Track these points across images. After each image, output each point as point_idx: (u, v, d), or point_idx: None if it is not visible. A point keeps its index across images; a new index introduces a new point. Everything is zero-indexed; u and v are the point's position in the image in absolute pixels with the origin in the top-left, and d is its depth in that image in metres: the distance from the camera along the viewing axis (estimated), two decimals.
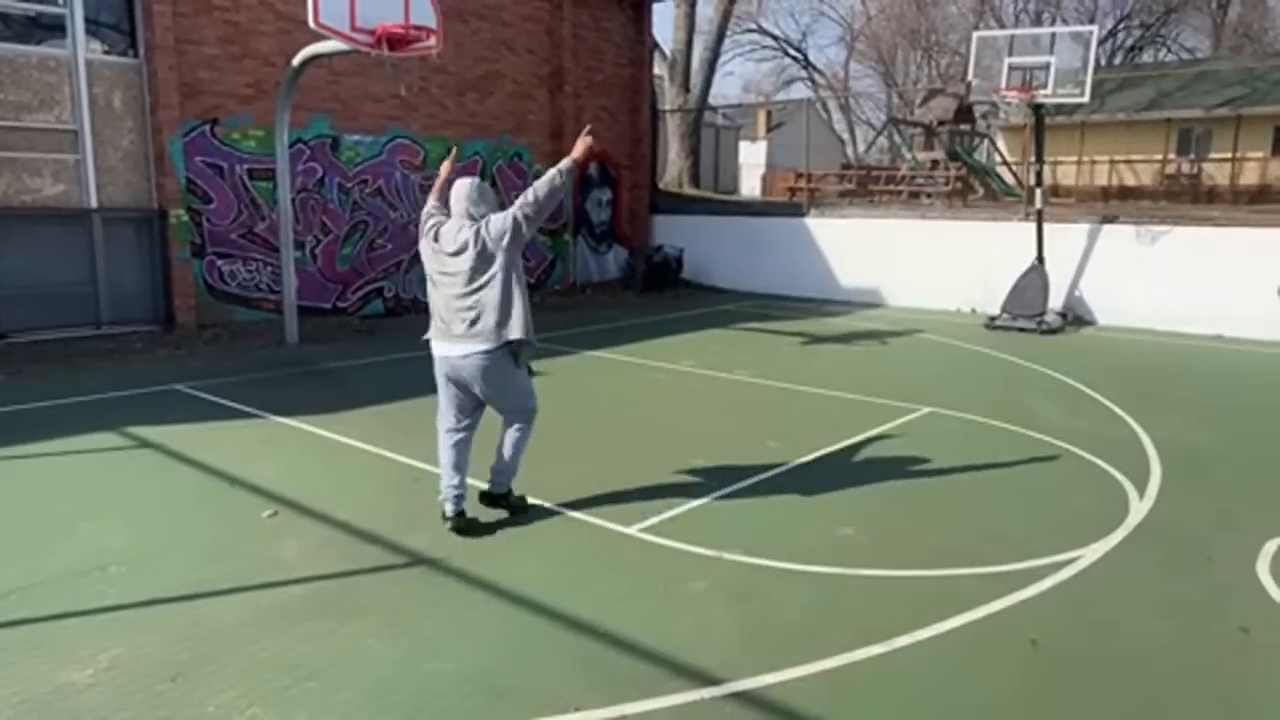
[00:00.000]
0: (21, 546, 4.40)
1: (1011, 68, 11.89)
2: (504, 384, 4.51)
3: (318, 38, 8.24)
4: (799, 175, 19.36)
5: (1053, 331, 11.74)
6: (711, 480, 5.47)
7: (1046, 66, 11.65)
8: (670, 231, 16.86)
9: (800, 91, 42.37)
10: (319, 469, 5.72)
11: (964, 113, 18.69)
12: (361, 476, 5.60)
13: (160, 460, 5.83)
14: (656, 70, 19.59)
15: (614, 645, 3.50)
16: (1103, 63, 29.55)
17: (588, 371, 9.02)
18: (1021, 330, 11.82)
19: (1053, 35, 12.26)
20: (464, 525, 4.54)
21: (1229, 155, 21.61)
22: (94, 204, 10.24)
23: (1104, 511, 5.04)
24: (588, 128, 4.81)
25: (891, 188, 18.43)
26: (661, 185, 20.08)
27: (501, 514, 4.83)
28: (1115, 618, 3.81)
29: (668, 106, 22.30)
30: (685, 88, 22.54)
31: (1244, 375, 9.29)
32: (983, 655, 3.48)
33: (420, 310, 13.12)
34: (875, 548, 4.52)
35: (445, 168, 4.90)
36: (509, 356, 4.45)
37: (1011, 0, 35.62)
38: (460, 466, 4.61)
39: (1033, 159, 13.12)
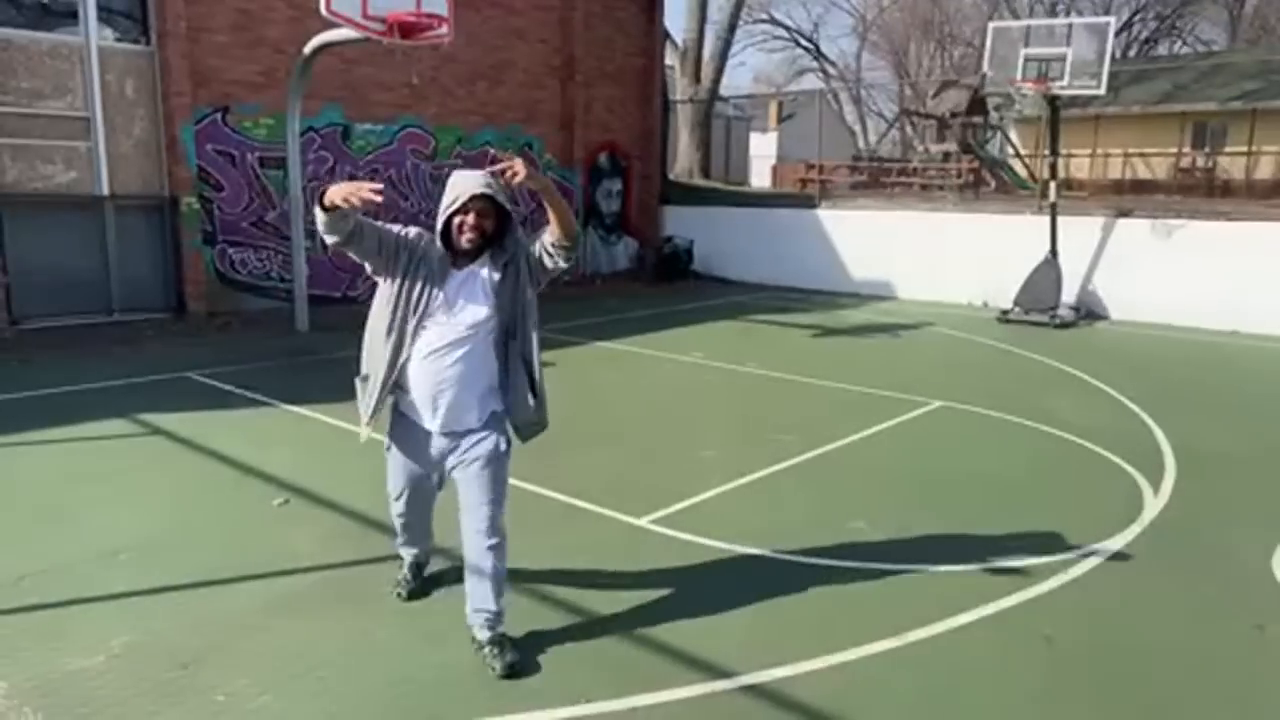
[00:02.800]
0: (33, 532, 4.42)
1: (1027, 59, 11.78)
2: None
3: (329, 26, 8.22)
4: (810, 167, 19.26)
5: (1066, 326, 11.66)
6: (723, 472, 5.45)
7: (1062, 58, 11.54)
8: (680, 222, 16.81)
9: (812, 83, 42.14)
10: (330, 458, 5.72)
11: (977, 105, 18.56)
12: (373, 466, 5.56)
13: (171, 447, 5.84)
14: (668, 60, 19.50)
15: (625, 637, 3.49)
16: (1118, 55, 29.28)
17: (597, 362, 9.00)
18: (1034, 324, 11.74)
19: (1069, 27, 12.15)
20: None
21: (1244, 149, 21.39)
22: (106, 191, 10.26)
23: (1118, 507, 5.00)
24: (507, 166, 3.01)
25: (903, 180, 18.33)
26: (672, 176, 20.02)
27: (509, 504, 4.82)
28: (1129, 614, 3.78)
29: (679, 97, 22.20)
30: (696, 78, 22.43)
31: (1259, 371, 9.21)
32: (996, 651, 3.45)
33: None
34: (887, 541, 4.49)
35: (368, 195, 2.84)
36: None
37: None
38: None
39: (1047, 151, 13.02)
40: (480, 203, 3.02)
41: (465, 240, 3.07)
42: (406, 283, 3.10)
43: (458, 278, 3.13)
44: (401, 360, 3.13)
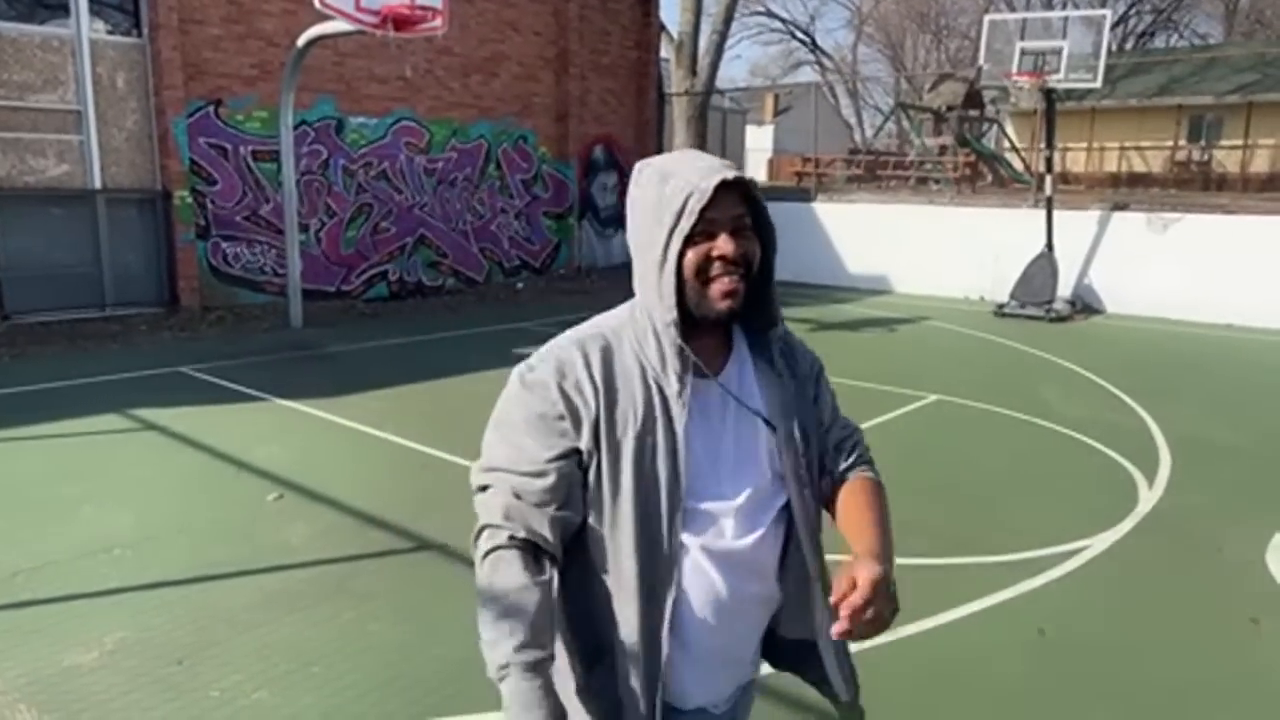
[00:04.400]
0: (27, 528, 4.40)
1: (1023, 52, 11.79)
2: None
3: (322, 18, 8.17)
4: (806, 160, 19.25)
5: (1061, 319, 11.68)
6: None
7: (1058, 51, 11.55)
8: None
9: (808, 75, 42.13)
10: (324, 452, 5.70)
11: (973, 98, 18.54)
12: (367, 460, 5.59)
13: (165, 442, 5.82)
14: (663, 53, 19.45)
15: None
16: (1114, 48, 29.28)
17: None
18: (1030, 318, 11.76)
19: (1065, 19, 12.15)
20: None
21: (1240, 142, 21.41)
22: (98, 185, 10.21)
23: (1113, 501, 5.01)
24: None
25: (899, 173, 18.32)
26: None
27: None
28: (1123, 607, 3.79)
29: (674, 90, 22.14)
30: (692, 71, 22.33)
31: (1254, 365, 9.23)
32: (991, 644, 3.45)
33: (426, 293, 13.07)
34: None
35: None
36: None
37: None
38: None
39: (1043, 145, 13.01)
40: (739, 202, 1.36)
41: (721, 296, 1.34)
42: (627, 470, 1.34)
43: (713, 398, 1.41)
44: (666, 623, 1.37)
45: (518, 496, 1.33)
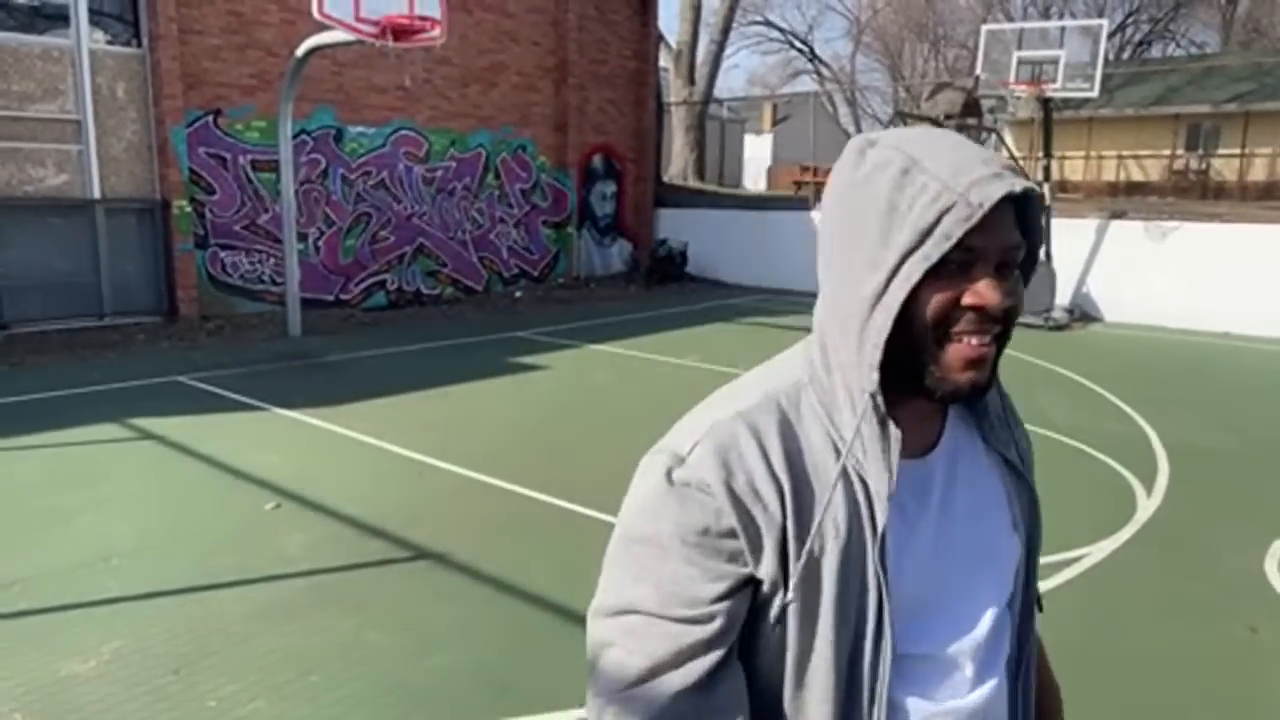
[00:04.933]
0: (24, 538, 4.39)
1: (1020, 62, 11.84)
2: None
3: (321, 28, 8.21)
4: (805, 169, 19.28)
5: (1060, 328, 11.70)
6: None
7: (1055, 61, 11.60)
8: (675, 225, 16.81)
9: (806, 85, 42.25)
10: (322, 462, 5.69)
11: (971, 107, 18.59)
12: (365, 470, 5.58)
13: (162, 452, 5.81)
14: (661, 63, 19.52)
15: None
16: (1111, 57, 29.40)
17: (591, 365, 8.99)
18: (1029, 326, 11.76)
19: (1062, 29, 12.23)
20: None
21: (1237, 151, 21.48)
22: (97, 194, 10.22)
23: (1111, 509, 5.01)
24: None
25: None
26: (666, 178, 20.03)
27: (504, 508, 4.80)
28: (1122, 616, 3.78)
29: (673, 99, 22.22)
30: (690, 80, 22.46)
31: (1252, 373, 9.24)
32: None
33: (424, 302, 13.08)
34: None
35: None
36: None
37: None
38: None
39: (1040, 154, 13.05)
40: (1013, 225, 0.88)
41: (964, 364, 0.88)
42: (827, 605, 0.90)
43: (932, 489, 0.97)
44: None
45: (659, 675, 0.88)
